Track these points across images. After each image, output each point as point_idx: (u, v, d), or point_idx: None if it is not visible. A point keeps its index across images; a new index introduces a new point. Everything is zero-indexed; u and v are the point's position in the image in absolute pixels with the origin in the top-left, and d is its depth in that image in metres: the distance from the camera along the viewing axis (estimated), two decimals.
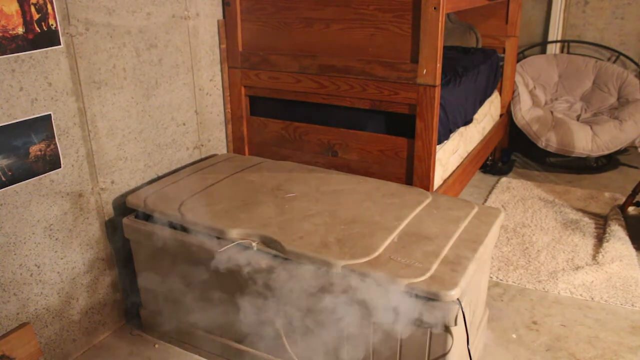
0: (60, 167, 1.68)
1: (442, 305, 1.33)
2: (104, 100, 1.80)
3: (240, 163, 2.12)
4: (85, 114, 1.74)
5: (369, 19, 1.97)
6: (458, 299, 1.33)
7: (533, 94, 3.62)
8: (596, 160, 3.41)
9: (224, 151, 2.42)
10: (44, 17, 1.55)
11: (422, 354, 1.43)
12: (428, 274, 1.38)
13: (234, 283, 1.62)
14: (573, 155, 3.27)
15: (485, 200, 2.98)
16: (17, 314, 1.64)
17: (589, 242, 2.50)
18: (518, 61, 3.69)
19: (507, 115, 3.43)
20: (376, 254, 1.47)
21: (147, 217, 1.78)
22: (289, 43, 2.17)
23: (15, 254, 1.60)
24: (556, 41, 3.85)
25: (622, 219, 2.62)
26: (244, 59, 2.28)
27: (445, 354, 1.41)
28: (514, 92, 3.45)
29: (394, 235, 1.55)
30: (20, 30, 1.49)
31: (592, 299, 2.10)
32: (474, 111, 2.77)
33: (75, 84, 1.69)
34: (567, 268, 2.30)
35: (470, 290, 1.45)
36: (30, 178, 1.60)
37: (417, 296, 1.35)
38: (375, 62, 2.00)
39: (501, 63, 3.30)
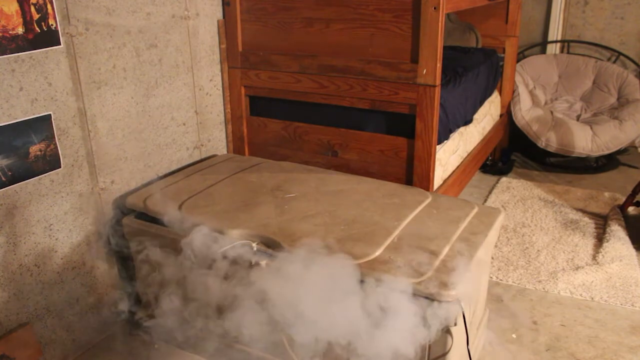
0: (60, 167, 1.68)
1: (442, 305, 1.33)
2: (104, 100, 1.80)
3: (240, 163, 2.12)
4: (85, 114, 1.74)
5: (368, 19, 1.97)
6: (458, 299, 1.33)
7: (533, 94, 3.62)
8: (596, 160, 3.40)
9: (224, 151, 2.42)
10: (44, 17, 1.55)
11: (422, 354, 1.43)
12: (428, 274, 1.38)
13: (233, 283, 1.61)
14: (573, 155, 3.27)
15: (485, 200, 2.98)
16: (17, 314, 1.64)
17: (589, 242, 2.50)
18: (518, 61, 3.69)
19: (507, 115, 3.44)
20: (376, 254, 1.47)
21: (147, 217, 1.78)
22: (289, 43, 2.17)
23: (15, 254, 1.60)
24: (556, 41, 3.85)
25: (622, 219, 2.62)
26: (244, 59, 2.28)
27: (445, 354, 1.41)
28: (514, 92, 3.45)
29: (394, 236, 1.55)
30: (20, 30, 1.49)
31: (592, 299, 2.10)
32: (474, 111, 2.77)
33: (75, 84, 1.69)
34: (567, 268, 2.30)
35: (470, 290, 1.45)
36: (30, 178, 1.60)
37: (417, 296, 1.35)
38: (375, 62, 2.00)
39: (501, 63, 3.30)
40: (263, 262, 1.52)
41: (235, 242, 1.58)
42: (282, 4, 2.13)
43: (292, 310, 1.52)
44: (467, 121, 2.65)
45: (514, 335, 1.91)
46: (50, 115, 1.63)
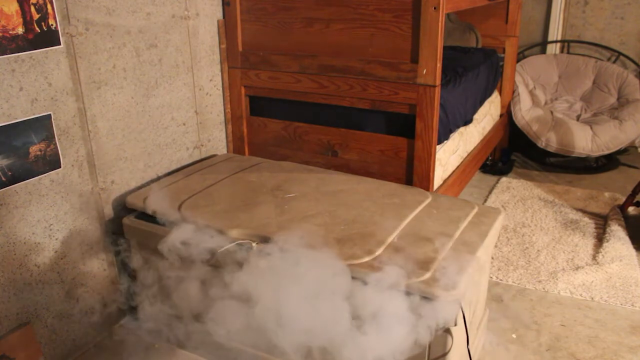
0: (60, 167, 1.68)
1: (442, 305, 1.33)
2: (104, 100, 1.80)
3: (240, 163, 2.12)
4: (85, 114, 1.74)
5: (369, 19, 1.97)
6: (458, 299, 1.33)
7: (533, 94, 3.62)
8: (596, 160, 3.41)
9: (224, 151, 2.42)
10: (44, 17, 1.55)
11: (422, 354, 1.43)
12: (428, 274, 1.38)
13: (233, 283, 1.61)
14: (573, 155, 3.27)
15: (485, 200, 2.98)
16: (17, 314, 1.64)
17: (589, 242, 2.50)
18: (518, 61, 3.69)
19: (507, 115, 3.44)
20: (376, 254, 1.47)
21: (147, 217, 1.78)
22: (289, 43, 2.17)
23: (15, 254, 1.60)
24: (556, 41, 3.85)
25: (622, 219, 2.62)
26: (244, 59, 2.28)
27: (445, 354, 1.41)
28: (514, 92, 3.45)
29: (394, 236, 1.55)
30: (20, 30, 1.49)
31: (592, 299, 2.10)
32: (474, 111, 2.77)
33: (75, 84, 1.69)
34: (567, 268, 2.30)
35: (470, 290, 1.45)
36: (30, 178, 1.60)
37: (417, 296, 1.35)
38: (375, 62, 2.00)
39: (501, 63, 3.30)
40: (262, 262, 1.52)
41: (235, 241, 1.58)
42: (282, 4, 2.13)
43: (291, 310, 1.52)
44: (467, 121, 2.65)
45: (514, 335, 1.91)
46: (50, 115, 1.63)
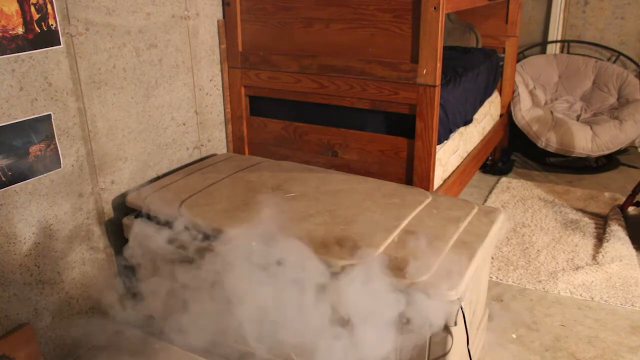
0: (60, 167, 1.68)
1: (442, 305, 1.33)
2: (104, 100, 1.80)
3: (240, 163, 2.12)
4: (85, 114, 1.74)
5: (369, 19, 1.97)
6: (458, 299, 1.33)
7: (533, 94, 3.62)
8: (596, 160, 3.41)
9: (224, 151, 2.42)
10: (44, 17, 1.55)
11: (422, 354, 1.43)
12: (428, 274, 1.38)
13: (233, 282, 1.61)
14: (573, 155, 3.27)
15: (485, 200, 2.98)
16: (17, 314, 1.64)
17: (589, 242, 2.50)
18: (518, 61, 3.69)
19: (507, 115, 3.44)
20: (376, 253, 1.47)
21: (147, 217, 1.78)
22: (289, 43, 2.17)
23: (15, 254, 1.60)
24: (556, 41, 3.85)
25: (622, 219, 2.62)
26: (244, 59, 2.28)
27: (445, 354, 1.41)
28: (514, 92, 3.45)
29: (394, 235, 1.55)
30: (20, 30, 1.49)
31: (592, 299, 2.10)
32: (474, 111, 2.77)
33: (75, 84, 1.69)
34: (567, 268, 2.30)
35: (470, 290, 1.45)
36: (30, 178, 1.60)
37: (416, 296, 1.35)
38: (375, 62, 2.00)
39: (501, 63, 3.30)
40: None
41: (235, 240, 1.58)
42: (282, 4, 2.13)
43: (292, 310, 1.52)
44: (467, 121, 2.65)
45: (514, 335, 1.91)
46: (50, 115, 1.63)
